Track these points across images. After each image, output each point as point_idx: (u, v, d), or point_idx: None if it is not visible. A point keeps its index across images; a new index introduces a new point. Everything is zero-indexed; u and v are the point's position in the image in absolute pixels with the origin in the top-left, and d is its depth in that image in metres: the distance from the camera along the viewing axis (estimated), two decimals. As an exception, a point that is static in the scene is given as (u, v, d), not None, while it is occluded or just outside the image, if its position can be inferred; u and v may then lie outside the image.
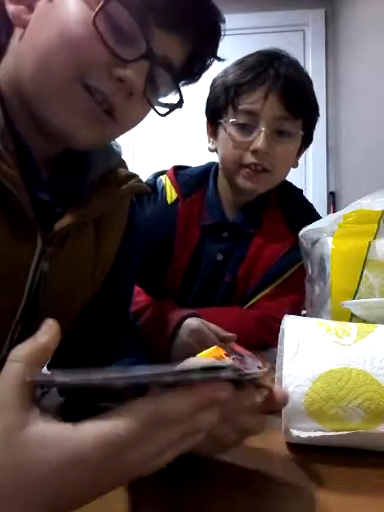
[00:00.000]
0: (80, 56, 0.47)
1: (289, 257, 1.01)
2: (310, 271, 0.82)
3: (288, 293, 1.01)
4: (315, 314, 0.76)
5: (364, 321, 0.64)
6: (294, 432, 0.47)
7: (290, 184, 1.13)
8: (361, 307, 0.65)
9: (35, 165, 0.52)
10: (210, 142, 1.04)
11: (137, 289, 0.95)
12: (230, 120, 0.94)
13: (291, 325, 0.53)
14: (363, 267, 0.69)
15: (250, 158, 0.93)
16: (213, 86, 1.01)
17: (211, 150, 1.04)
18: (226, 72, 0.99)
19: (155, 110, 0.55)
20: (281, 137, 0.94)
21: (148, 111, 0.55)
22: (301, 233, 0.83)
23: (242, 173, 0.96)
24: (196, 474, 0.42)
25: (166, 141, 2.81)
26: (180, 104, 0.57)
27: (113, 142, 0.64)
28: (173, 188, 1.04)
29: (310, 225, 0.82)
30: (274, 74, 0.91)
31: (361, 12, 2.29)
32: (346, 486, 0.41)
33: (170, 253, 1.00)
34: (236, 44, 2.91)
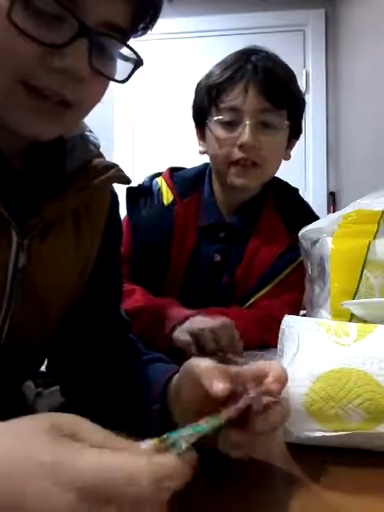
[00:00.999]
0: (12, 59, 0.44)
1: (286, 256, 1.01)
2: (309, 271, 0.82)
3: (287, 292, 1.01)
4: (315, 313, 0.76)
5: (364, 321, 0.64)
6: (294, 432, 0.47)
7: (286, 183, 1.14)
8: (361, 307, 0.65)
9: (5, 158, 0.51)
10: (200, 145, 1.04)
11: (132, 286, 0.95)
12: (215, 118, 0.95)
13: (291, 325, 0.53)
14: (363, 267, 0.69)
15: (238, 154, 0.94)
16: (197, 90, 1.01)
17: (202, 153, 1.04)
18: (208, 74, 0.99)
19: (114, 79, 0.51)
20: (266, 129, 0.94)
21: (106, 83, 0.52)
22: (301, 233, 0.83)
23: (232, 170, 0.96)
24: (195, 474, 0.42)
25: (166, 142, 2.81)
26: (139, 62, 0.52)
27: (89, 134, 0.61)
28: (169, 190, 1.04)
29: (310, 225, 0.82)
30: (252, 68, 0.93)
31: (361, 12, 2.29)
32: (346, 487, 0.41)
33: (167, 254, 1.00)
34: (236, 44, 2.92)
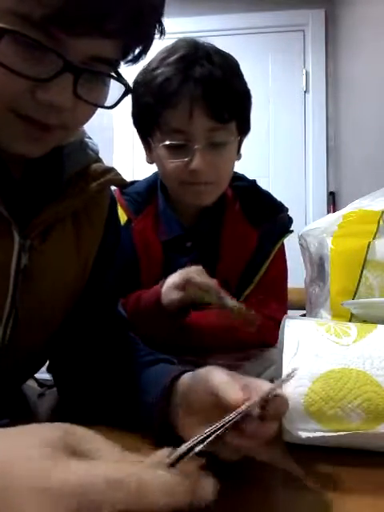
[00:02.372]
0: (1, 92, 0.46)
1: (260, 252, 0.99)
2: (309, 271, 0.82)
3: (274, 288, 1.01)
4: (315, 314, 0.76)
5: (364, 321, 0.64)
6: (294, 432, 0.47)
7: (243, 176, 1.10)
8: (360, 307, 0.65)
9: (5, 165, 0.54)
10: (146, 154, 0.97)
11: None
12: (160, 143, 0.88)
13: (291, 325, 0.53)
14: (363, 267, 0.69)
15: (188, 178, 0.88)
16: (135, 95, 0.90)
17: (149, 163, 0.98)
18: (147, 80, 0.89)
19: (101, 106, 0.53)
20: (216, 148, 0.88)
21: (94, 108, 0.53)
22: (300, 233, 0.83)
23: (186, 190, 0.91)
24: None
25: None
26: (127, 91, 0.54)
27: (88, 140, 0.64)
28: (122, 209, 0.95)
29: (310, 224, 0.82)
30: (194, 84, 0.83)
31: (361, 12, 2.29)
32: (346, 487, 0.41)
33: (137, 274, 0.95)
34: (236, 44, 2.92)
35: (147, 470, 0.28)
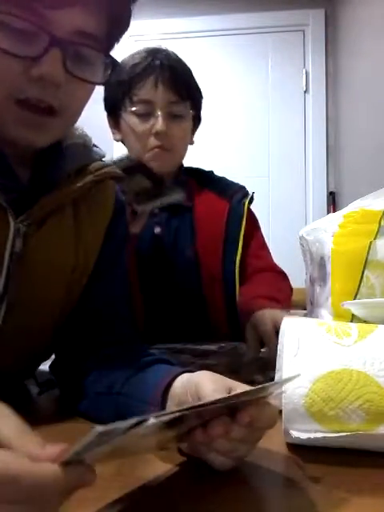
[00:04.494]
0: (0, 77, 0.50)
1: (234, 216, 1.12)
2: (310, 271, 0.82)
3: (262, 245, 1.18)
4: (316, 314, 0.76)
5: (365, 321, 0.63)
6: (294, 433, 0.46)
7: (201, 168, 1.25)
8: (361, 307, 0.65)
9: (6, 160, 0.57)
10: (114, 134, 1.15)
11: None
12: (129, 110, 1.07)
13: (291, 325, 0.52)
14: (364, 268, 0.69)
15: (153, 141, 1.06)
16: (107, 84, 1.05)
17: (117, 141, 1.14)
18: (120, 67, 1.06)
19: (91, 82, 0.57)
20: (175, 119, 1.07)
21: (88, 88, 0.57)
22: (301, 233, 0.83)
23: (148, 155, 1.07)
24: (195, 475, 0.42)
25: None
26: (114, 65, 0.57)
27: (95, 148, 0.67)
28: None
29: (310, 224, 0.82)
30: (160, 65, 1.05)
31: (361, 12, 2.29)
32: (346, 487, 0.41)
33: None
34: (236, 44, 2.92)
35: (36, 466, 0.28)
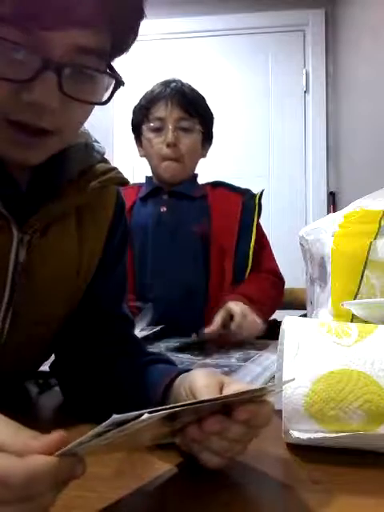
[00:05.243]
0: None
1: (248, 206, 1.30)
2: (310, 271, 0.82)
3: (266, 248, 1.34)
4: (316, 314, 0.76)
5: (365, 321, 0.63)
6: (294, 433, 0.46)
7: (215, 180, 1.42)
8: (361, 307, 0.65)
9: (3, 166, 0.54)
10: (138, 151, 1.39)
11: None
12: (147, 126, 1.30)
13: (292, 325, 0.52)
14: (364, 268, 0.68)
15: (165, 151, 1.27)
16: (134, 111, 1.37)
17: (141, 157, 1.38)
18: (141, 99, 1.35)
19: (93, 102, 0.52)
20: (184, 132, 1.28)
21: (88, 107, 0.53)
22: (301, 233, 0.83)
23: (162, 166, 1.29)
24: (195, 475, 0.42)
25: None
26: (118, 83, 0.52)
27: (95, 143, 0.64)
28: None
29: (311, 224, 0.82)
30: (170, 90, 1.29)
31: (361, 12, 2.29)
32: (347, 487, 0.41)
33: None
34: (236, 44, 2.92)
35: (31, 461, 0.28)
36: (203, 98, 1.35)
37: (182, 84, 1.33)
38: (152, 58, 2.89)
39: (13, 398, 0.66)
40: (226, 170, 2.70)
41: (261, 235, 1.33)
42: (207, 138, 1.36)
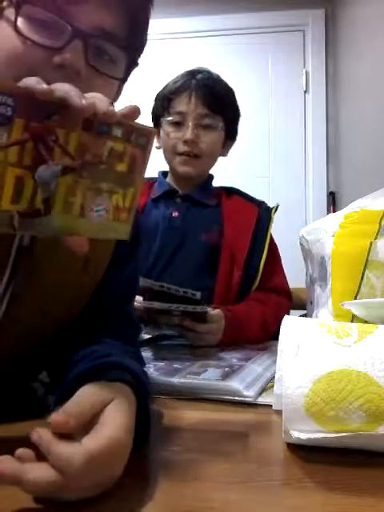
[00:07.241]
0: (20, 63, 0.52)
1: (263, 218, 1.25)
2: (310, 271, 0.82)
3: (276, 262, 1.27)
4: (316, 314, 0.76)
5: (365, 321, 0.63)
6: (294, 433, 0.46)
7: (230, 187, 1.36)
8: (361, 307, 0.65)
9: None
10: (156, 140, 1.28)
11: None
12: (167, 120, 1.22)
13: (292, 325, 0.52)
14: (364, 268, 0.69)
15: (182, 147, 1.20)
16: (155, 100, 1.29)
17: (157, 148, 1.28)
18: (163, 88, 1.27)
19: (112, 77, 0.58)
20: (205, 129, 1.20)
21: (110, 84, 0.59)
22: (301, 233, 0.83)
23: (177, 159, 1.22)
24: (194, 474, 0.42)
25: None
26: (133, 64, 0.61)
27: None
28: None
29: (310, 224, 0.82)
30: (195, 83, 1.21)
31: (361, 12, 2.29)
32: (347, 488, 0.41)
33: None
34: (236, 44, 2.92)
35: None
36: (232, 91, 1.26)
37: (210, 75, 1.24)
38: (152, 57, 2.89)
39: (19, 398, 0.66)
40: (226, 170, 2.69)
41: (274, 249, 1.28)
42: (230, 136, 1.28)
